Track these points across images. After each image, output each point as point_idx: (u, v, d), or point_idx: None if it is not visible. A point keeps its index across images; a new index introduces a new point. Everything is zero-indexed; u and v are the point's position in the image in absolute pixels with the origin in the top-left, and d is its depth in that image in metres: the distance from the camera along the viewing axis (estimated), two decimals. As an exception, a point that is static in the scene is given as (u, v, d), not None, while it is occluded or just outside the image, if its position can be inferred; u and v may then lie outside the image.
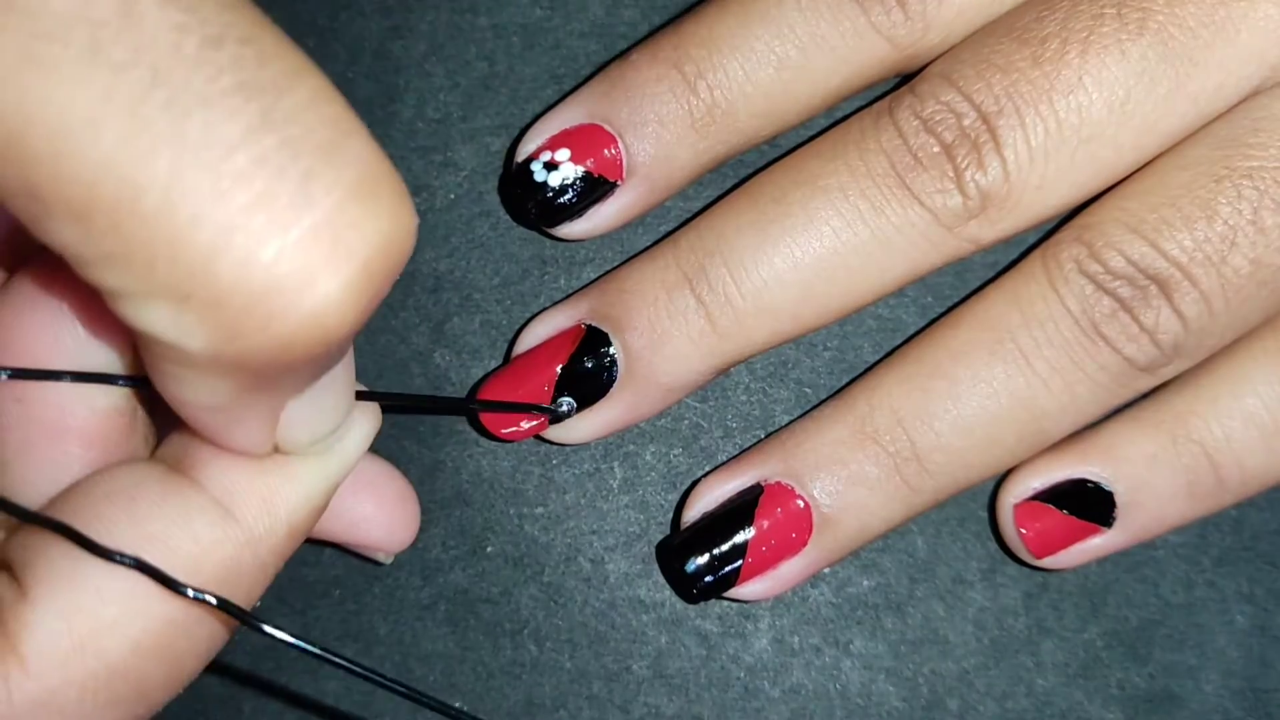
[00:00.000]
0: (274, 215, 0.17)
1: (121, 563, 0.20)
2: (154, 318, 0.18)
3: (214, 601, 0.21)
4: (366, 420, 0.24)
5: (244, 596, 0.22)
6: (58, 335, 0.23)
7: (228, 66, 0.17)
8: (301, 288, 0.17)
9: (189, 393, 0.20)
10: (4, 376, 0.22)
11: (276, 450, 0.22)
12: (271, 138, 0.17)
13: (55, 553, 0.21)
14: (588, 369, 0.30)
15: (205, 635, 0.22)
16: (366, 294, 0.18)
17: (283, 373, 0.19)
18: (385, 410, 0.25)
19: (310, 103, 0.17)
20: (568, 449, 0.32)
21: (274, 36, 0.17)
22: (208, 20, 0.17)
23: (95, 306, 0.22)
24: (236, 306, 0.17)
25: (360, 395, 0.24)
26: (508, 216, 0.33)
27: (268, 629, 0.21)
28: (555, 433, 0.31)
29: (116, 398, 0.24)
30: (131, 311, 0.18)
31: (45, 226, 0.17)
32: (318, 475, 0.23)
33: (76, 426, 0.24)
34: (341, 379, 0.22)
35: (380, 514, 0.29)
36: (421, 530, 0.32)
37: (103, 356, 0.23)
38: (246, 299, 0.17)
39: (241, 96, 0.17)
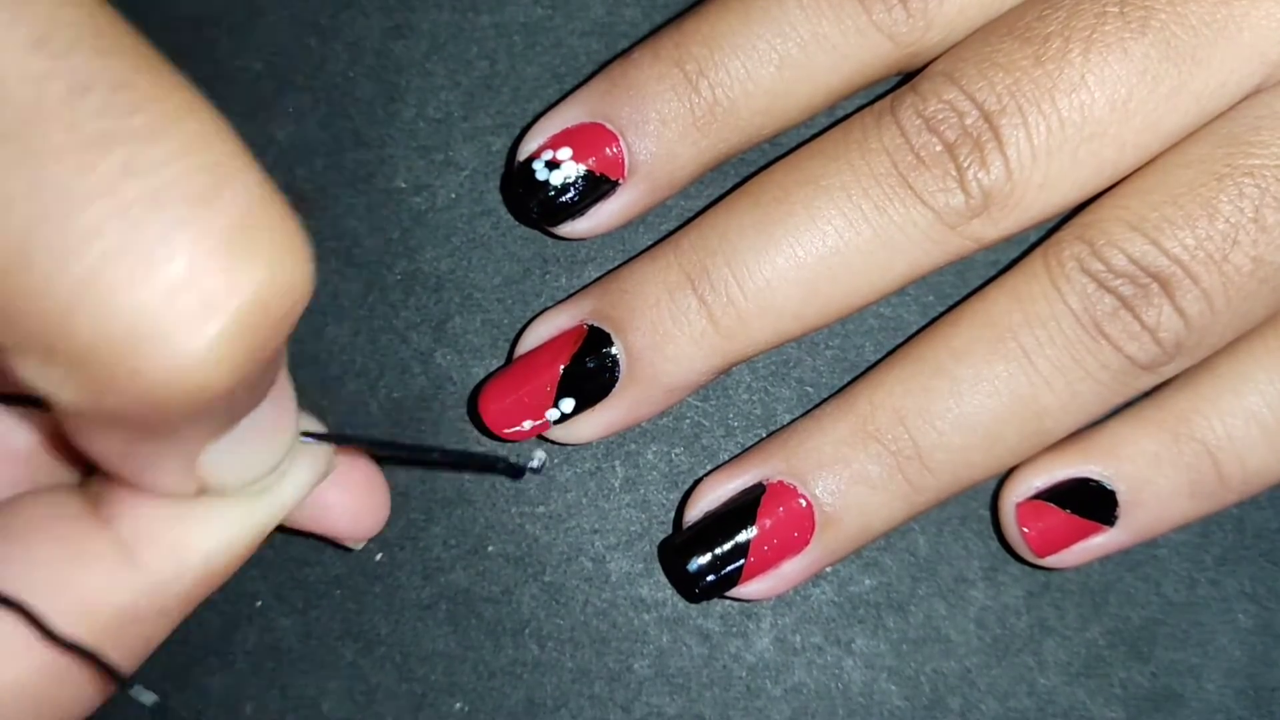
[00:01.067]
0: (130, 269, 0.16)
1: None
2: (27, 371, 0.17)
3: (90, 653, 0.20)
4: (310, 463, 0.23)
5: (141, 642, 0.21)
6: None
7: (92, 115, 0.16)
8: (163, 343, 0.16)
9: (85, 441, 0.19)
10: None
11: (204, 491, 0.22)
12: (133, 188, 0.16)
13: None
14: (590, 369, 0.30)
15: (84, 686, 0.21)
16: (241, 346, 0.17)
17: (169, 425, 0.18)
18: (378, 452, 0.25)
19: (185, 149, 0.16)
20: (569, 448, 0.32)
21: (154, 80, 0.17)
22: (77, 68, 0.16)
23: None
24: (99, 361, 0.16)
25: (309, 435, 0.23)
26: (509, 216, 0.33)
27: (139, 693, 0.21)
28: (557, 433, 0.31)
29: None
30: (10, 363, 0.17)
31: None
32: (243, 519, 0.22)
33: (16, 449, 0.23)
34: (268, 421, 0.21)
35: (346, 501, 0.28)
36: (422, 529, 0.32)
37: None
38: (108, 353, 0.16)
39: (102, 147, 0.16)
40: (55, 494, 0.22)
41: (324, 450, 0.24)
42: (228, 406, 0.19)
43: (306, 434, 0.23)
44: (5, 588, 0.20)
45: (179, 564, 0.22)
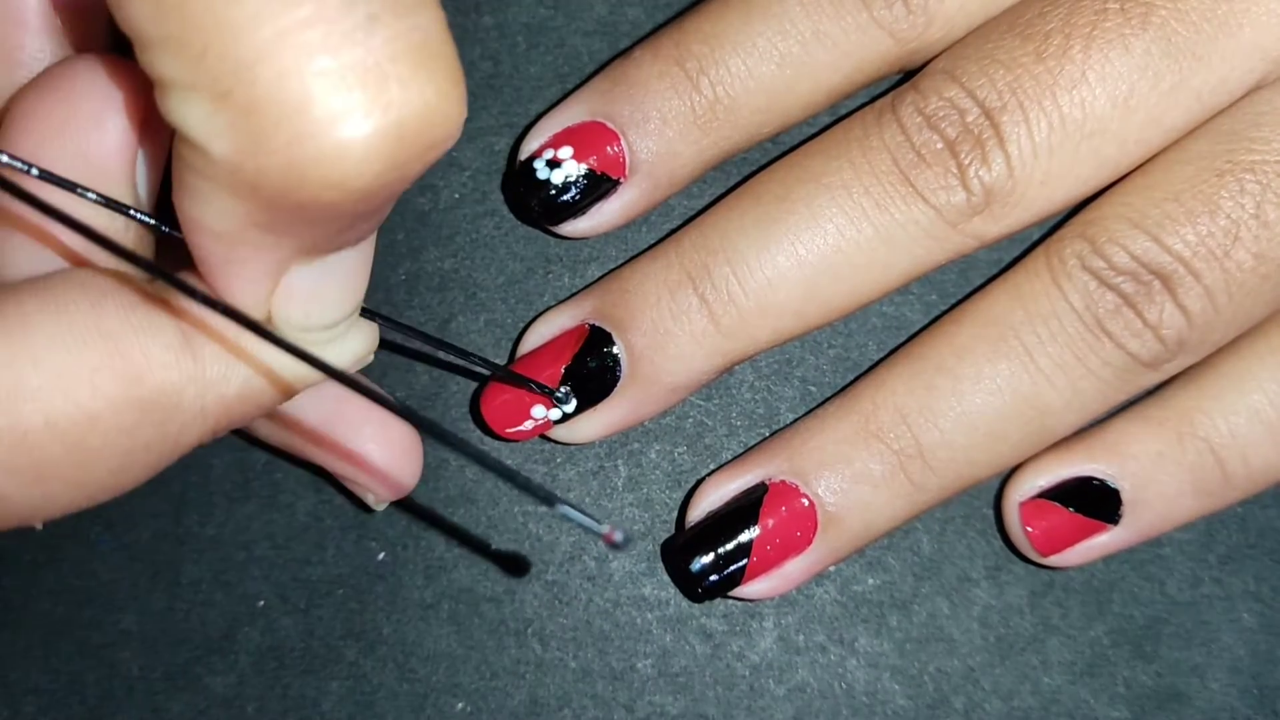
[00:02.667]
0: (327, 37, 0.17)
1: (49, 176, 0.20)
2: (191, 112, 0.18)
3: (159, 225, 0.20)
4: (362, 337, 0.24)
5: (173, 436, 0.22)
6: (104, 122, 0.23)
7: None
8: (331, 118, 0.17)
9: (202, 210, 0.20)
10: (33, 172, 0.21)
11: (267, 321, 0.22)
12: None
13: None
14: (591, 369, 0.30)
15: (126, 441, 0.21)
16: (393, 155, 0.18)
17: (294, 213, 0.19)
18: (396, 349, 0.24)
19: None
20: (572, 448, 0.32)
21: None
22: None
23: (145, 108, 0.22)
24: (266, 117, 0.17)
25: (367, 314, 0.24)
26: (512, 215, 0.33)
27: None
28: (560, 432, 0.31)
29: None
30: (173, 104, 0.18)
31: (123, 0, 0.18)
32: (292, 360, 0.22)
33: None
34: (351, 272, 0.22)
35: (380, 455, 0.28)
36: (425, 529, 0.32)
37: (133, 166, 0.23)
38: (277, 112, 0.17)
39: None
40: (121, 274, 0.22)
41: (373, 334, 0.24)
42: (345, 219, 0.19)
43: (366, 310, 0.24)
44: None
45: (229, 370, 0.22)
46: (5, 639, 0.32)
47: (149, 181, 0.24)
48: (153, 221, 0.23)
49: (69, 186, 0.22)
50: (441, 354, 0.32)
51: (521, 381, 0.30)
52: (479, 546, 0.30)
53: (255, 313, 0.22)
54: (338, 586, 0.32)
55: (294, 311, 0.22)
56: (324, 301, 0.22)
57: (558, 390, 0.30)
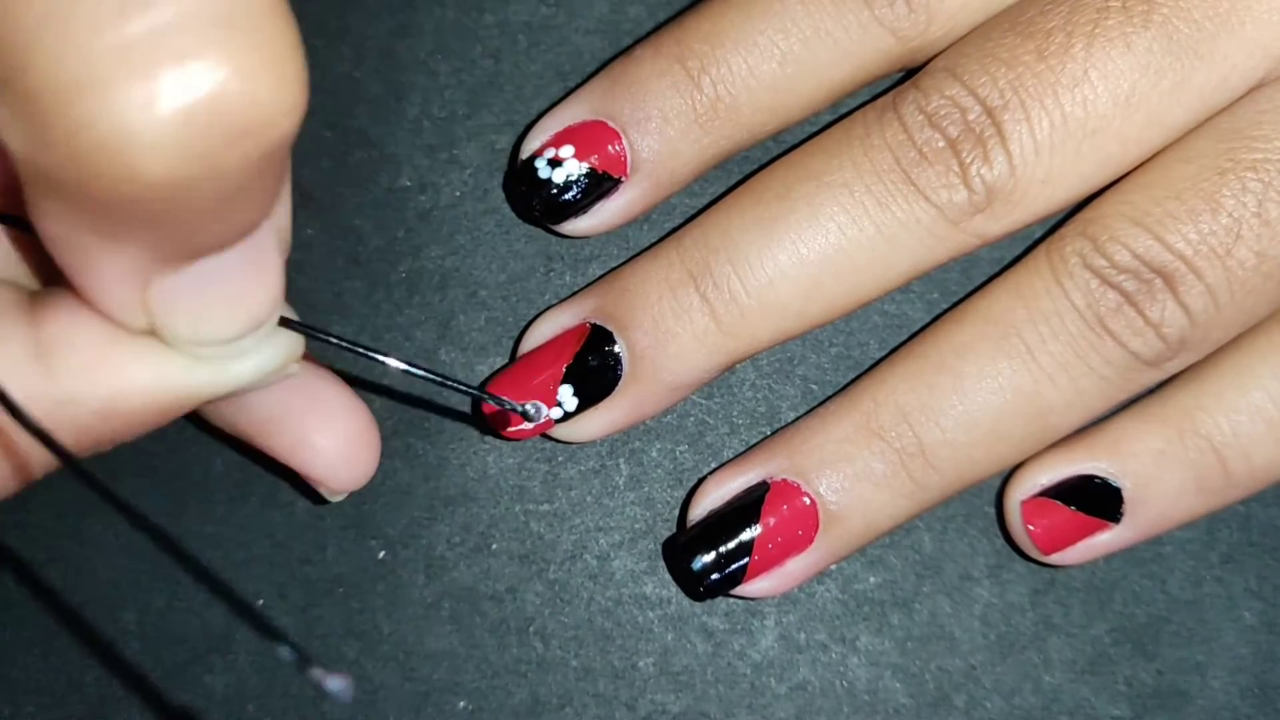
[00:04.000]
0: (103, 13, 0.15)
1: None
2: None
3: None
4: (273, 351, 0.22)
5: (14, 458, 0.20)
6: None
7: None
8: (109, 104, 0.15)
9: (33, 215, 0.18)
10: None
11: (154, 335, 0.21)
12: None
13: None
14: (593, 367, 0.30)
15: None
16: (189, 143, 0.16)
17: (105, 210, 0.17)
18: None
19: None
20: (573, 446, 0.32)
21: None
22: None
23: None
24: (43, 105, 0.16)
25: (291, 325, 0.22)
26: (513, 214, 0.33)
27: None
28: (561, 431, 0.31)
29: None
30: None
31: None
32: (178, 375, 0.21)
33: None
34: (237, 280, 0.20)
35: (331, 447, 0.27)
36: (426, 528, 0.32)
37: None
38: (54, 98, 0.15)
39: None
40: None
41: (292, 347, 0.22)
42: (174, 219, 0.18)
43: (285, 320, 0.22)
44: None
45: (88, 386, 0.20)
46: (5, 637, 0.32)
47: None
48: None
49: None
50: (421, 375, 0.31)
51: (491, 399, 0.29)
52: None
53: (133, 324, 0.20)
54: (338, 585, 0.32)
55: (179, 325, 0.20)
56: (212, 314, 0.20)
57: (526, 406, 0.29)
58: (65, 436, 0.20)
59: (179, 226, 0.18)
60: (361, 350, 0.25)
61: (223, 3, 0.16)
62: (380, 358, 0.25)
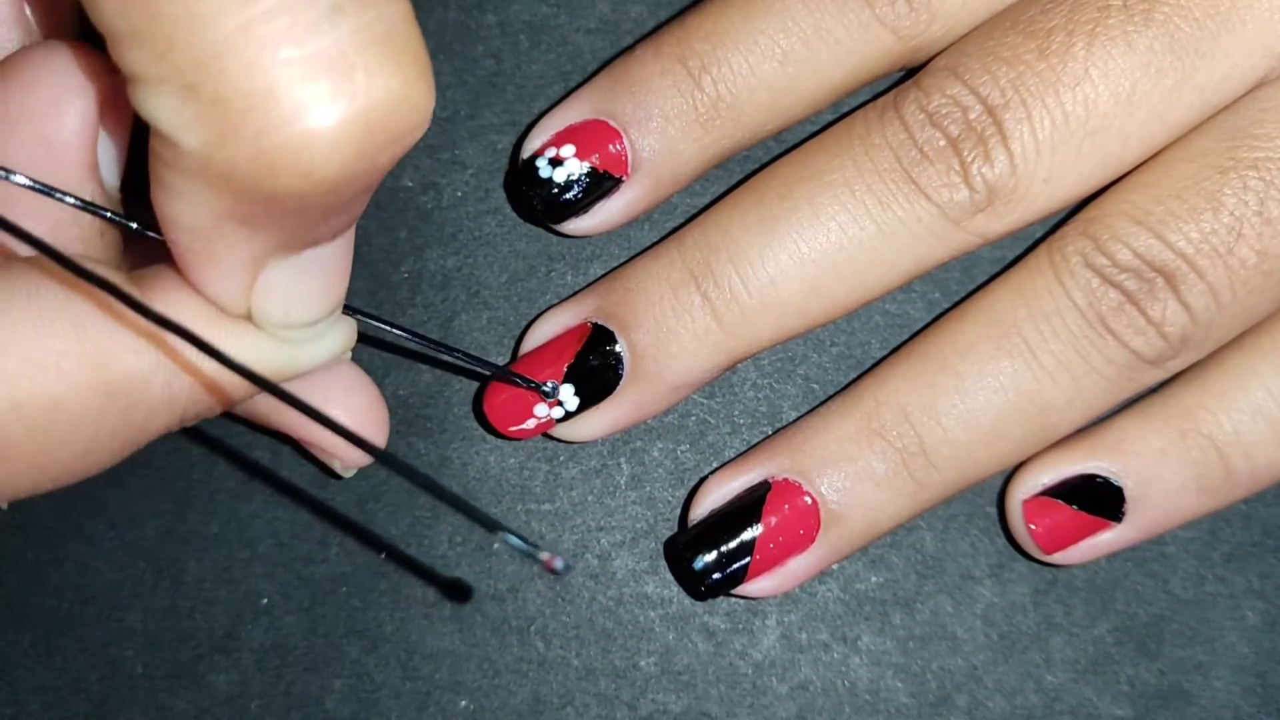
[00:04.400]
0: (292, 28, 0.17)
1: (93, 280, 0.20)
2: (160, 105, 0.18)
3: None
4: (339, 334, 0.24)
5: (139, 422, 0.22)
6: (64, 108, 0.23)
7: None
8: (296, 109, 0.17)
9: (177, 204, 0.20)
10: (13, 179, 0.21)
11: (247, 319, 0.22)
12: None
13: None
14: (594, 367, 0.30)
15: (91, 426, 0.21)
16: (360, 145, 0.18)
17: (266, 205, 0.19)
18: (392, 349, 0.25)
19: None
20: (575, 446, 0.32)
21: None
22: None
23: (108, 93, 0.22)
24: (233, 108, 0.17)
25: (349, 310, 0.24)
26: (514, 213, 0.33)
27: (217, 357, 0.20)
28: (562, 430, 0.31)
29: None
30: (143, 98, 0.18)
31: None
32: (264, 353, 0.23)
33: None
34: (330, 270, 0.22)
35: (343, 419, 0.27)
36: (428, 527, 0.32)
37: (93, 152, 0.23)
38: (244, 104, 0.17)
39: None
40: (95, 263, 0.22)
41: (352, 331, 0.24)
42: (317, 212, 0.20)
43: (349, 308, 0.24)
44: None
45: (196, 360, 0.22)
46: (9, 636, 0.32)
47: (115, 167, 0.24)
48: (124, 222, 0.23)
49: (46, 191, 0.22)
50: (435, 353, 0.32)
51: (511, 378, 0.30)
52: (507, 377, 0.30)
53: (234, 309, 0.22)
54: (341, 585, 0.32)
55: (273, 308, 0.22)
56: (303, 299, 0.22)
57: (545, 384, 0.30)
58: (179, 406, 0.22)
59: (315, 219, 0.20)
60: (409, 333, 0.28)
61: (389, 22, 0.18)
62: (418, 339, 0.28)
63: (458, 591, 0.31)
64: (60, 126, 0.23)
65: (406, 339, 0.28)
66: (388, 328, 0.27)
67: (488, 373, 0.31)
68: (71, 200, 0.22)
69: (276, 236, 0.20)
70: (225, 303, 0.22)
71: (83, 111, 0.23)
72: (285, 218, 0.20)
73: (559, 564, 0.21)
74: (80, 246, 0.24)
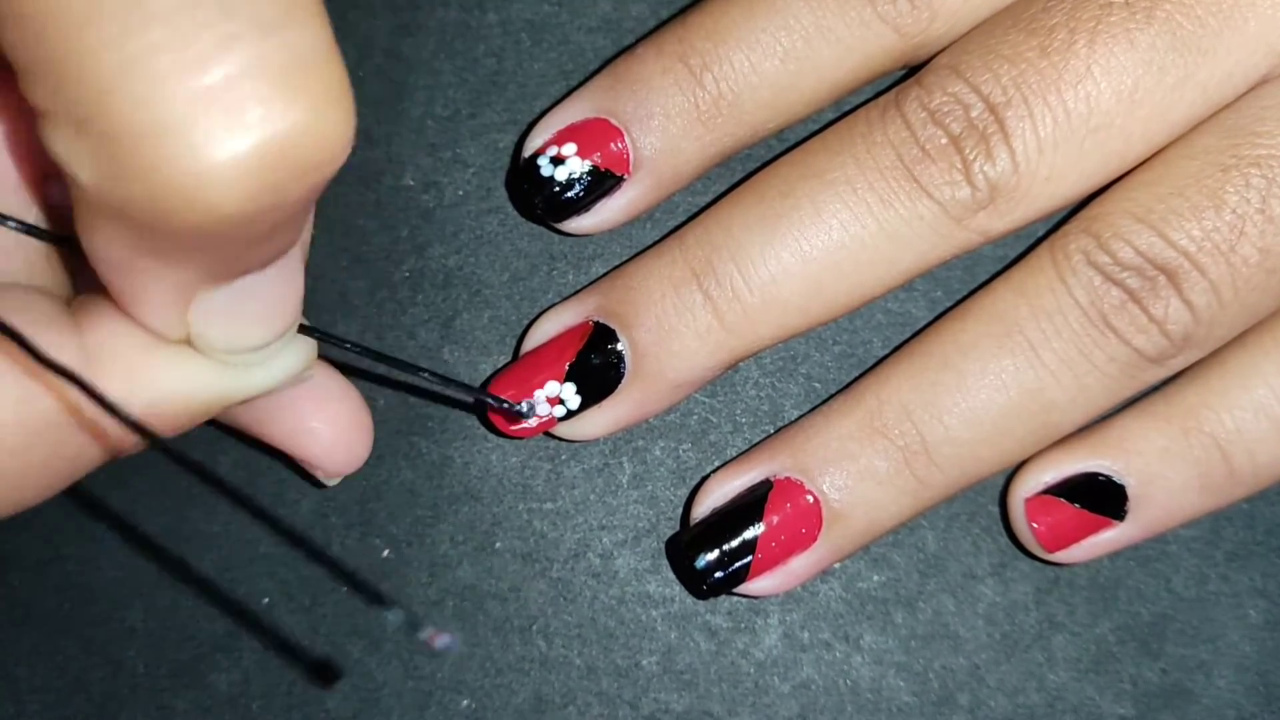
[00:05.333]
0: (180, 61, 0.16)
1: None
2: (58, 140, 0.18)
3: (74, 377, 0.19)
4: (294, 355, 0.23)
5: (69, 456, 0.21)
6: None
7: None
8: (187, 144, 0.17)
9: (90, 238, 0.19)
10: None
11: (188, 343, 0.22)
12: None
13: None
14: (596, 366, 0.30)
15: (17, 462, 0.21)
16: (259, 178, 0.17)
17: (173, 240, 0.18)
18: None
19: None
20: (576, 445, 0.32)
21: None
22: None
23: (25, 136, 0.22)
24: (123, 144, 0.17)
25: (306, 330, 0.23)
26: (516, 212, 0.33)
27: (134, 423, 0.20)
28: (564, 429, 0.31)
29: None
30: (45, 133, 0.18)
31: (2, 27, 0.17)
32: (209, 381, 0.22)
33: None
34: (271, 295, 0.21)
35: (326, 431, 0.28)
36: (429, 526, 0.32)
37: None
38: (133, 140, 0.17)
39: None
40: (31, 292, 0.22)
41: (310, 351, 0.24)
42: (232, 245, 0.19)
43: (305, 327, 0.23)
44: None
45: (131, 388, 0.21)
46: (10, 636, 0.32)
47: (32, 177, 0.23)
48: (64, 245, 0.23)
49: None
50: (407, 375, 0.32)
51: (484, 399, 0.30)
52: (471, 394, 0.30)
53: (172, 336, 0.21)
54: (342, 584, 0.32)
55: (214, 335, 0.21)
56: (245, 325, 0.22)
57: (520, 405, 0.30)
58: (112, 438, 0.22)
59: (233, 251, 0.19)
60: (371, 354, 0.27)
61: (291, 50, 0.17)
62: (384, 360, 0.27)
63: (325, 672, 0.31)
64: None
65: (369, 357, 0.27)
66: (350, 347, 0.26)
67: (461, 396, 0.31)
68: (13, 224, 0.22)
69: (197, 268, 0.20)
70: (160, 331, 0.21)
71: (4, 127, 0.22)
72: (199, 251, 0.19)
73: (440, 643, 0.20)
74: (25, 268, 0.23)
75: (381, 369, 0.32)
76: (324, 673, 0.31)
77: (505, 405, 0.30)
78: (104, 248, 0.19)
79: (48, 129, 0.18)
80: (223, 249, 0.19)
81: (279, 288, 0.21)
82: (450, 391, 0.30)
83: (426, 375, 0.28)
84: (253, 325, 0.22)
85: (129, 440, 0.22)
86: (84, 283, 0.24)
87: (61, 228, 0.24)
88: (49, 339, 0.21)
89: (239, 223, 0.18)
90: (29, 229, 0.22)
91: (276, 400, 0.27)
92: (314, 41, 0.17)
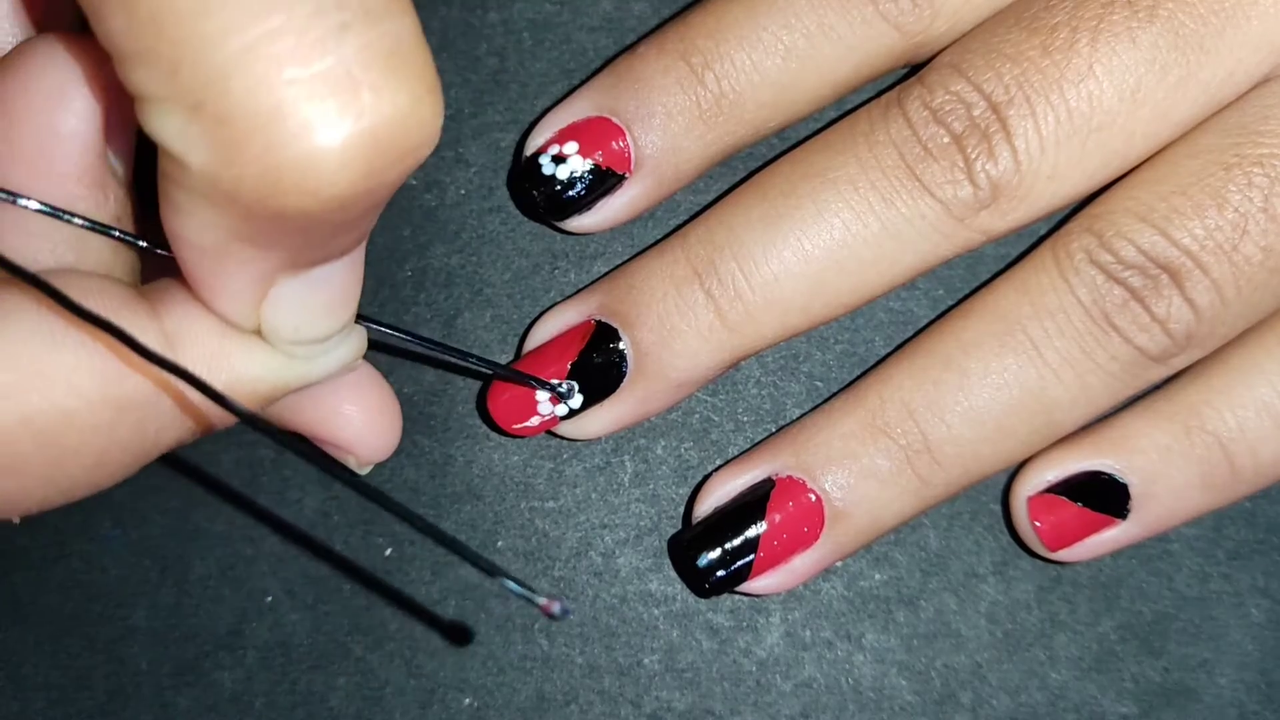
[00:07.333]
0: (297, 47, 0.17)
1: (90, 318, 0.20)
2: (167, 124, 0.18)
3: (181, 370, 0.20)
4: (351, 345, 0.24)
5: (150, 436, 0.22)
6: (68, 98, 0.23)
7: None
8: (303, 127, 0.17)
9: (184, 223, 0.20)
10: (20, 203, 0.22)
11: (256, 333, 0.22)
12: None
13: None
14: (598, 364, 0.30)
15: (102, 440, 0.21)
16: (368, 162, 0.18)
17: (273, 223, 0.19)
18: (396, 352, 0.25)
19: None
20: (578, 444, 0.32)
21: None
22: None
23: (110, 83, 0.22)
24: (239, 128, 0.17)
25: (361, 319, 0.24)
26: (518, 211, 0.33)
27: (232, 403, 0.20)
28: (566, 428, 0.31)
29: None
30: (151, 117, 0.18)
31: (101, 13, 0.18)
32: (275, 368, 0.23)
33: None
34: (339, 286, 0.22)
35: (359, 415, 0.28)
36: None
37: (102, 140, 0.23)
38: (250, 122, 0.17)
39: None
40: (107, 280, 0.22)
41: (361, 341, 0.24)
42: (326, 230, 0.20)
43: (362, 317, 0.24)
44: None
45: (206, 374, 0.22)
46: (14, 634, 0.32)
47: (123, 158, 0.24)
48: (132, 240, 0.23)
49: (52, 213, 0.22)
50: (440, 354, 0.32)
51: (523, 379, 0.30)
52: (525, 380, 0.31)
53: (244, 325, 0.22)
54: (345, 582, 0.32)
55: (283, 325, 0.22)
56: (314, 316, 0.22)
57: (560, 384, 0.30)
58: (190, 419, 0.22)
59: (324, 236, 0.20)
60: (423, 339, 0.28)
61: (395, 37, 0.18)
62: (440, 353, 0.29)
63: (458, 633, 0.32)
64: (65, 118, 0.23)
65: (416, 344, 0.28)
66: (399, 334, 0.27)
67: (501, 375, 0.31)
68: (79, 221, 0.22)
69: (284, 254, 0.20)
70: (234, 319, 0.22)
71: (86, 100, 0.23)
72: (293, 236, 0.20)
73: (556, 608, 0.21)
74: (96, 257, 0.24)
75: (382, 365, 0.32)
76: (458, 634, 0.32)
77: (550, 385, 0.30)
78: (197, 231, 0.20)
79: (153, 114, 0.18)
80: (315, 234, 0.20)
81: (346, 280, 0.22)
82: (495, 373, 0.31)
83: (475, 360, 0.29)
84: (320, 318, 0.22)
85: (204, 423, 0.23)
86: (148, 273, 0.25)
87: (123, 218, 0.24)
88: (130, 325, 0.21)
89: (343, 205, 0.18)
90: (92, 225, 0.23)
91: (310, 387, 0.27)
92: (412, 30, 0.18)
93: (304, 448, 0.21)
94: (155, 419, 0.22)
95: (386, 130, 0.18)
